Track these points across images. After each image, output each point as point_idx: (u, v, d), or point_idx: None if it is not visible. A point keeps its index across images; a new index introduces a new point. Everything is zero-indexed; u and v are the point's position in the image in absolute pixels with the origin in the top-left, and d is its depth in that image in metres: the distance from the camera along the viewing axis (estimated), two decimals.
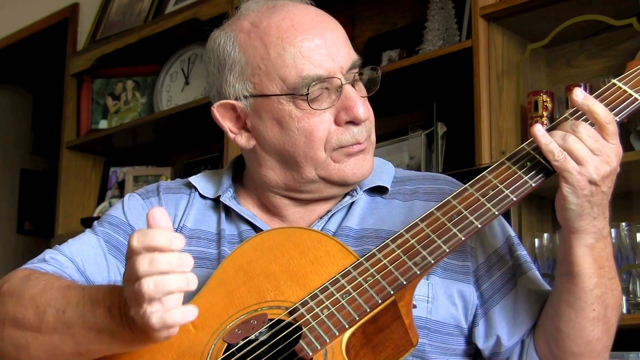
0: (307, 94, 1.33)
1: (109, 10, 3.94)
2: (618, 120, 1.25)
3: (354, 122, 1.36)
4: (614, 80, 1.29)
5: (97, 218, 1.53)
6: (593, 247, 1.25)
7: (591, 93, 2.46)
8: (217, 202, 1.47)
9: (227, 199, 1.45)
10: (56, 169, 3.99)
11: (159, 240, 1.07)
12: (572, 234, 1.25)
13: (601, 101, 1.27)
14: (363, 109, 1.35)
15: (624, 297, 2.25)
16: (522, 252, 1.41)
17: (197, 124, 3.45)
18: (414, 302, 1.23)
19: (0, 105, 5.20)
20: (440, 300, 1.35)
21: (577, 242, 1.25)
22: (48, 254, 1.40)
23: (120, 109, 3.85)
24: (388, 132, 2.89)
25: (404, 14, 3.05)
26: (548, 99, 2.43)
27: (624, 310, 2.24)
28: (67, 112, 3.93)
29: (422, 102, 2.85)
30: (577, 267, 1.26)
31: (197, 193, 1.49)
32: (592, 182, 1.21)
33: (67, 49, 4.05)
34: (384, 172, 1.47)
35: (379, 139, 2.82)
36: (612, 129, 1.23)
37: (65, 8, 4.21)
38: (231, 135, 1.43)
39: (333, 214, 1.41)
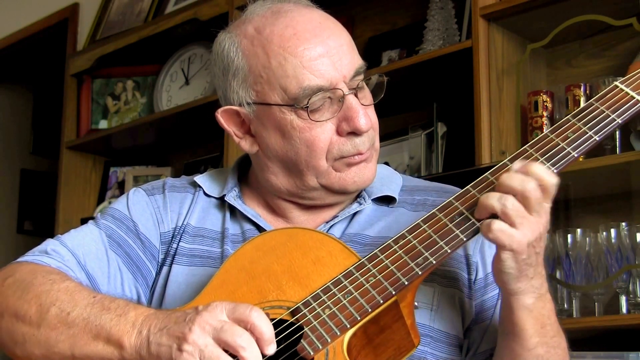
0: (307, 106, 1.32)
1: (109, 10, 3.94)
2: (555, 171, 1.22)
3: (355, 133, 1.35)
4: (617, 83, 1.29)
5: None
6: (533, 306, 1.23)
7: (591, 93, 2.45)
8: (222, 201, 1.47)
9: (231, 198, 1.45)
10: (56, 169, 3.99)
11: (267, 332, 1.11)
12: (511, 296, 1.23)
13: (603, 103, 1.26)
14: (365, 120, 1.34)
15: (624, 297, 2.25)
16: None
17: (197, 124, 3.45)
18: (416, 303, 1.23)
19: (0, 105, 5.20)
20: (444, 309, 1.34)
21: (516, 303, 1.23)
22: (50, 245, 1.39)
23: (120, 109, 3.85)
24: (388, 132, 2.89)
25: (404, 14, 3.05)
26: (548, 99, 2.43)
27: (624, 311, 2.24)
28: (67, 112, 3.93)
29: (422, 102, 2.85)
30: (517, 327, 1.24)
31: (201, 191, 1.48)
32: (529, 245, 1.18)
33: (67, 49, 4.05)
34: (393, 182, 1.46)
35: (379, 139, 2.84)
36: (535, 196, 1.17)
37: (65, 8, 4.21)
38: (236, 139, 1.43)
39: (339, 220, 1.41)
